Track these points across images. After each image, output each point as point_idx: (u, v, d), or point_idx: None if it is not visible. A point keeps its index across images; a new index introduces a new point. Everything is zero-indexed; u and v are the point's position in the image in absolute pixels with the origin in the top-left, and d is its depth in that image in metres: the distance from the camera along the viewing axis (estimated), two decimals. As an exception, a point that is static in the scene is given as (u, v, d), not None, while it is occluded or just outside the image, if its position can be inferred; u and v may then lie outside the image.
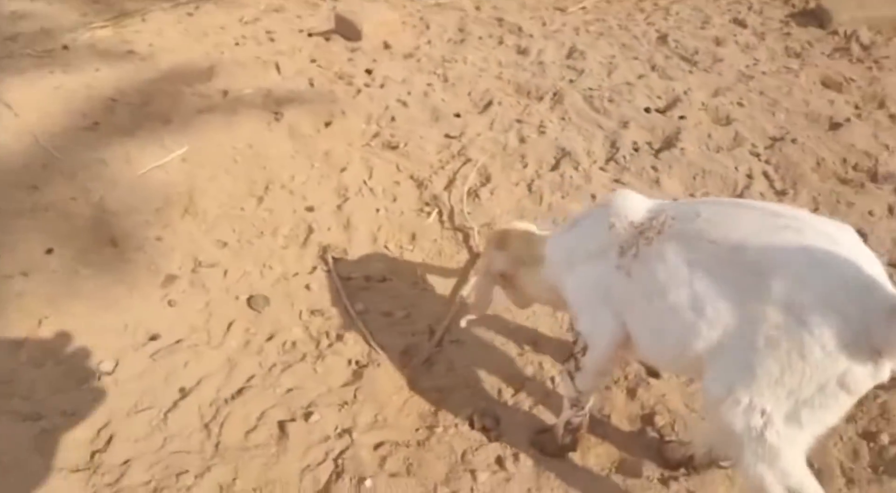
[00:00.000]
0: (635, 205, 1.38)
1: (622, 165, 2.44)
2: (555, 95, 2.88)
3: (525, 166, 2.47)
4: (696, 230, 1.22)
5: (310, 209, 2.24)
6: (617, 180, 2.36)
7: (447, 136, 2.64)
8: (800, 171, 2.34)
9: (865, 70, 2.97)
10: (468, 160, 2.49)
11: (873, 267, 1.09)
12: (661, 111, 2.76)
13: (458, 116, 2.76)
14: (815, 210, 2.14)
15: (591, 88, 2.92)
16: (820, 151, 2.42)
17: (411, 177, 2.42)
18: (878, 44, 3.23)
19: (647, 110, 2.76)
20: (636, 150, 2.53)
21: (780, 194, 2.26)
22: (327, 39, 3.42)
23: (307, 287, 1.96)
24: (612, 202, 1.41)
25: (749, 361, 1.09)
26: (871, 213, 2.14)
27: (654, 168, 2.41)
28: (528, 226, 1.79)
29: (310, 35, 3.47)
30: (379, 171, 2.43)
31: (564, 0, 3.96)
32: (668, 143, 2.55)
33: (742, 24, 3.59)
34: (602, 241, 1.36)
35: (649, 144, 2.56)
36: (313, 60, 3.19)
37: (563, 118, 2.73)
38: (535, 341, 1.83)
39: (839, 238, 1.11)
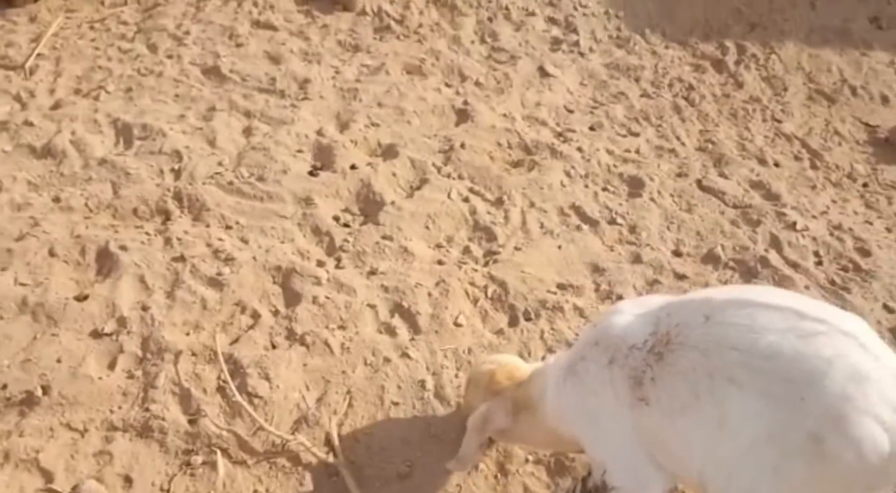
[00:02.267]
0: (628, 325, 1.33)
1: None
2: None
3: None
4: (713, 337, 1.20)
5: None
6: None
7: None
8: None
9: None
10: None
11: None
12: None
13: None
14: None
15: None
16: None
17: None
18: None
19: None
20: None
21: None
22: None
23: None
24: (603, 335, 1.37)
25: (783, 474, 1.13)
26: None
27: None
28: (513, 360, 1.80)
29: None
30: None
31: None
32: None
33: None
34: (607, 384, 1.33)
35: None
36: None
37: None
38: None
39: (865, 341, 1.16)
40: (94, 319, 2.20)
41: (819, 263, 2.70)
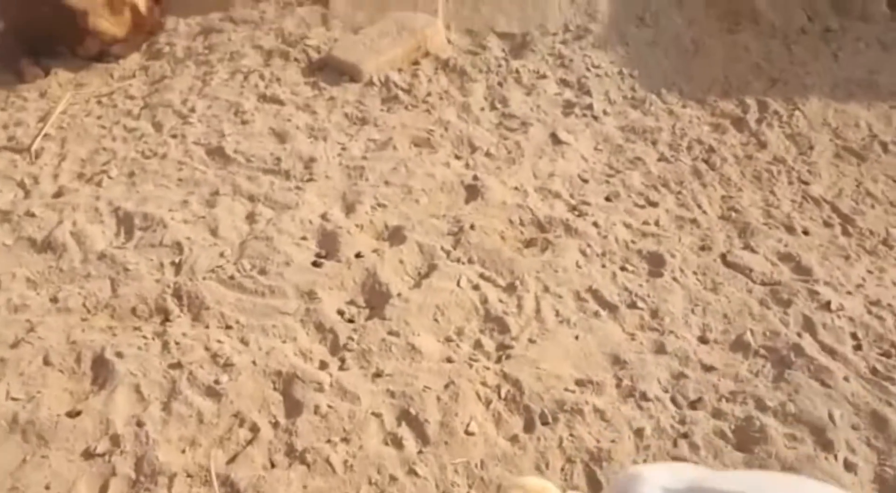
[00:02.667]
0: None
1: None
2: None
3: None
4: None
5: None
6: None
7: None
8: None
9: None
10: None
11: None
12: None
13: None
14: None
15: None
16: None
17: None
18: None
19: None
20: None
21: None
22: None
23: None
24: None
25: None
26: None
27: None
28: (545, 486, 1.63)
29: None
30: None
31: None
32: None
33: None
34: None
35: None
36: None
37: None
38: None
39: None
40: (87, 437, 2.14)
41: (858, 347, 2.55)
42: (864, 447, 2.20)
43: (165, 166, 3.39)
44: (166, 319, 2.57)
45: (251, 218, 3.03)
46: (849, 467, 2.12)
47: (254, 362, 2.36)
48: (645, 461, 2.13)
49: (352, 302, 2.64)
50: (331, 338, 2.48)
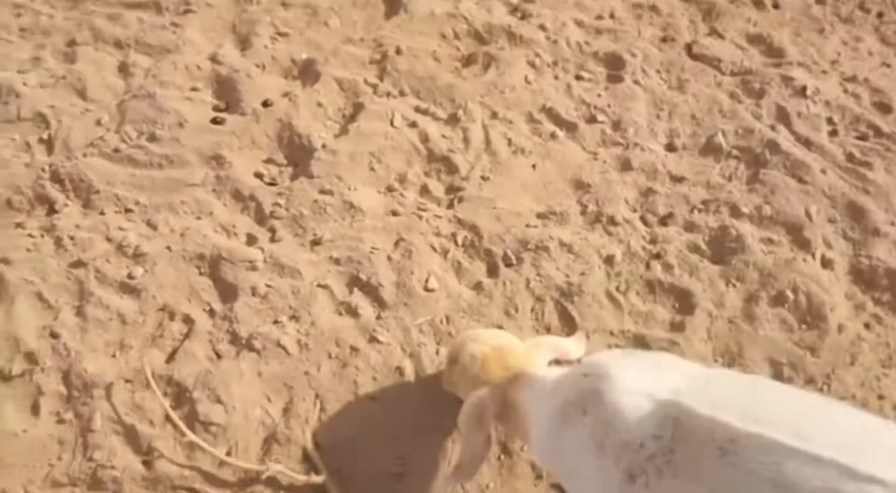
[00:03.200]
0: (627, 412, 1.23)
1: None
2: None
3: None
4: (726, 481, 1.09)
5: None
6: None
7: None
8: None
9: None
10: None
11: None
12: None
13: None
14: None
15: None
16: None
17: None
18: None
19: None
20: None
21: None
22: None
23: None
24: (594, 409, 1.29)
25: None
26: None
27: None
28: (507, 344, 1.74)
29: None
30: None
31: None
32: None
33: None
34: (591, 463, 1.27)
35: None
36: None
37: None
38: None
39: None
40: (-2, 358, 2.10)
41: (834, 133, 2.64)
42: (841, 240, 2.36)
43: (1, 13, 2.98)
44: (52, 210, 2.42)
45: (124, 71, 2.76)
46: (826, 263, 2.29)
47: (168, 248, 2.29)
48: (618, 288, 2.24)
49: (270, 161, 2.52)
50: (253, 207, 2.41)
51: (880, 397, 2.00)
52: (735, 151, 2.58)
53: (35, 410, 2.03)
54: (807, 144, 2.59)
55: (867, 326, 2.16)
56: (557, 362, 1.81)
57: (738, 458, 1.09)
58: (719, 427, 1.13)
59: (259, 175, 2.48)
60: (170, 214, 2.38)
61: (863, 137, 2.63)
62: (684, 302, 2.21)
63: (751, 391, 1.29)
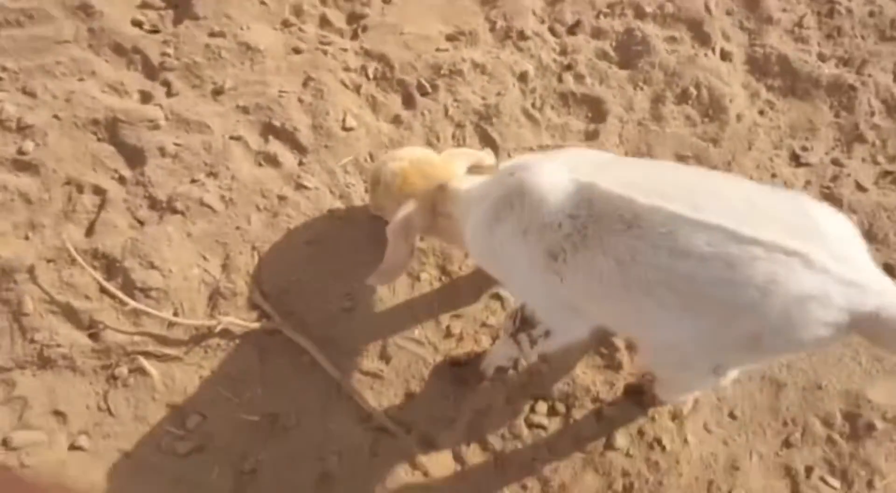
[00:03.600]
0: (546, 196, 1.46)
1: None
2: None
3: None
4: (630, 250, 1.35)
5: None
6: None
7: None
8: None
9: None
10: None
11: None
12: None
13: None
14: None
15: None
16: None
17: None
18: None
19: None
20: None
21: None
22: None
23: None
24: (518, 200, 1.50)
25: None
26: None
27: None
28: (422, 154, 1.94)
29: None
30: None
31: None
32: None
33: None
34: (521, 249, 1.53)
35: None
36: None
37: None
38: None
39: (812, 255, 1.27)
40: None
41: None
42: (738, 31, 2.64)
43: None
44: None
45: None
46: (724, 56, 2.58)
47: (56, 116, 2.29)
48: (533, 104, 2.47)
49: (146, 5, 2.47)
50: (139, 60, 2.40)
51: (773, 175, 2.37)
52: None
53: (-43, 305, 2.12)
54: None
55: (761, 112, 2.50)
56: (474, 168, 2.01)
57: (641, 230, 1.34)
58: (626, 204, 1.37)
59: (138, 23, 2.44)
60: (46, 78, 2.35)
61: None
62: (596, 110, 2.47)
63: (654, 172, 1.55)
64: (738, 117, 2.45)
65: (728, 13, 2.65)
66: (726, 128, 2.42)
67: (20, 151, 2.25)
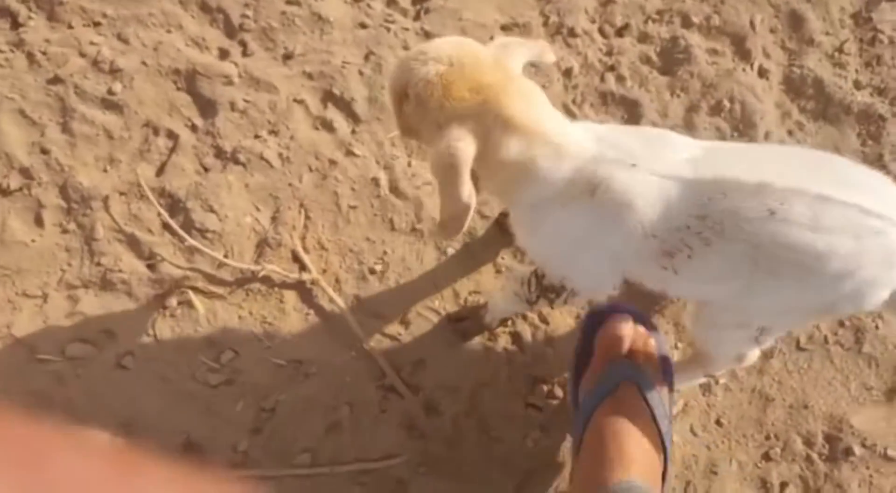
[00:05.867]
0: (660, 202, 1.08)
1: None
2: None
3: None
4: (772, 235, 1.05)
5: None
6: None
7: None
8: None
9: None
10: None
11: None
12: None
13: None
14: None
15: None
16: None
17: None
18: None
19: None
20: None
21: None
22: None
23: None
24: (613, 209, 1.08)
25: None
26: None
27: None
28: (471, 54, 1.05)
29: None
30: None
31: None
32: None
33: None
34: (630, 249, 1.14)
35: None
36: None
37: None
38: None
39: None
40: (-7, 174, 1.87)
41: (789, -61, 2.28)
42: (779, 50, 2.14)
43: None
44: (15, 23, 2.01)
45: None
46: (762, 73, 2.10)
47: (144, 63, 1.96)
48: (574, 100, 2.04)
49: (233, -32, 2.10)
50: (221, 19, 2.04)
51: (793, 196, 1.94)
52: (695, -43, 2.23)
53: (39, 222, 1.85)
54: (761, -49, 2.24)
55: (790, 132, 2.03)
56: (533, 66, 1.40)
57: (785, 213, 1.02)
58: (760, 190, 1.03)
59: (223, -16, 2.07)
60: (139, 27, 2.01)
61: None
62: (632, 112, 2.03)
63: (749, 155, 1.21)
64: (767, 135, 1.99)
65: (772, 31, 2.14)
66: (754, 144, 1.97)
67: (109, 92, 1.94)
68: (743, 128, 2.00)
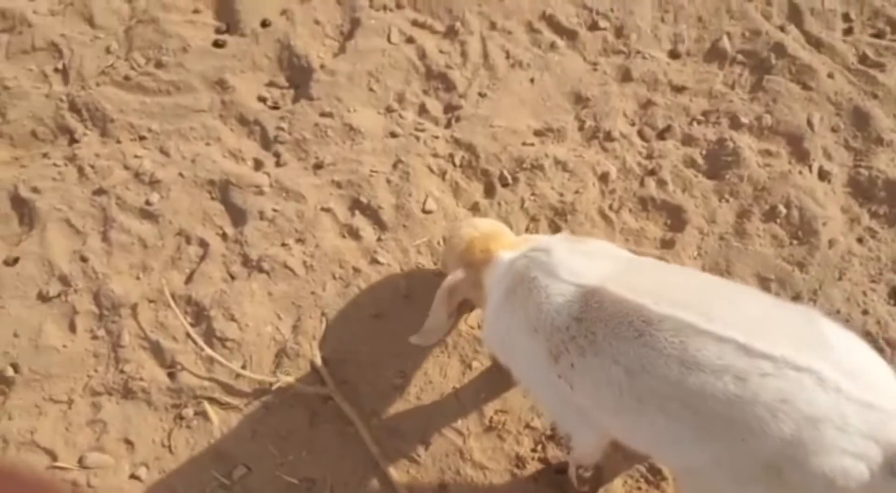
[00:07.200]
0: (553, 296, 1.21)
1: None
2: None
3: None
4: (641, 360, 1.08)
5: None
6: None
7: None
8: None
9: None
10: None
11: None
12: None
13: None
14: None
15: None
16: None
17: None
18: None
19: None
20: None
21: None
22: None
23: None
24: (526, 299, 1.27)
25: None
26: None
27: None
28: (496, 229, 1.62)
29: None
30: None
31: None
32: None
33: None
34: (529, 346, 1.27)
35: None
36: None
37: None
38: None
39: (824, 373, 0.98)
40: (35, 281, 2.07)
41: (849, 31, 2.27)
42: (842, 150, 2.09)
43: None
44: (72, 140, 2.29)
45: (128, -6, 2.51)
46: (823, 175, 2.04)
47: (181, 175, 2.17)
48: (611, 206, 2.05)
49: (272, 84, 2.31)
50: (258, 131, 2.23)
51: (864, 312, 1.82)
52: (740, 57, 2.26)
53: (72, 327, 2.02)
54: (817, 44, 2.24)
55: (860, 240, 1.94)
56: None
57: (652, 338, 1.08)
58: (636, 310, 1.11)
59: (262, 99, 2.29)
60: (180, 140, 2.23)
61: (879, 35, 2.27)
62: (676, 219, 2.01)
63: (670, 278, 1.27)
64: (831, 243, 1.91)
65: (833, 130, 2.10)
66: (816, 253, 1.89)
67: (147, 202, 2.14)
68: (802, 235, 1.94)
